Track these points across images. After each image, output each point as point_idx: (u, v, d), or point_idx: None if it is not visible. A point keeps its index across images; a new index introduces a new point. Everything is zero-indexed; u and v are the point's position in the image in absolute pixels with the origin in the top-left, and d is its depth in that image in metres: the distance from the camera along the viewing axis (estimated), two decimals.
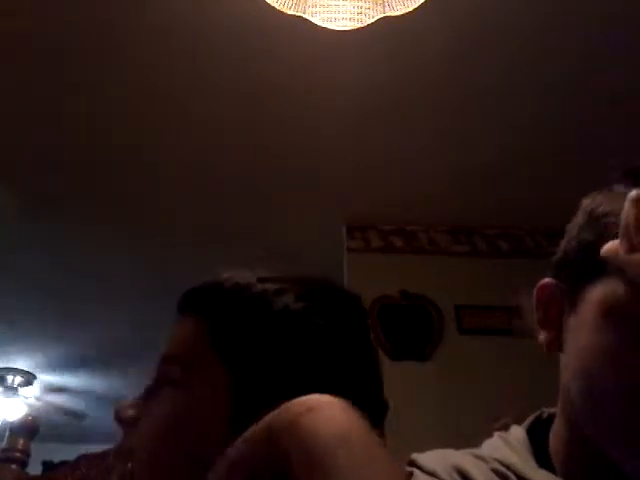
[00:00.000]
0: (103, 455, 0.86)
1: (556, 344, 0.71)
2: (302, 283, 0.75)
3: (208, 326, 0.71)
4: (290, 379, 0.68)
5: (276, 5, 1.67)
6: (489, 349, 2.76)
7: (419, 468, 0.74)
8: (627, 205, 0.62)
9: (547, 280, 0.73)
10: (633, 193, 0.62)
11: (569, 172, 2.56)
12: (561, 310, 0.71)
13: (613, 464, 0.65)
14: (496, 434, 0.77)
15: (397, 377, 2.70)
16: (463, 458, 0.73)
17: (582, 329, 0.68)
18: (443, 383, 2.72)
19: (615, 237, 0.64)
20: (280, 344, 0.69)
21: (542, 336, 0.72)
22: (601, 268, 0.66)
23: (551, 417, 0.75)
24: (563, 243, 0.73)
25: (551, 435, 0.73)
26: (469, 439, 0.80)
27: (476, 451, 0.75)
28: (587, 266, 0.68)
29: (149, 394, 0.72)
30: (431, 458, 0.75)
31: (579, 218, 0.72)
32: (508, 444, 0.73)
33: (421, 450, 0.78)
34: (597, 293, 0.66)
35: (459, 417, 2.50)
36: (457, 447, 0.79)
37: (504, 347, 2.70)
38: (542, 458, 0.71)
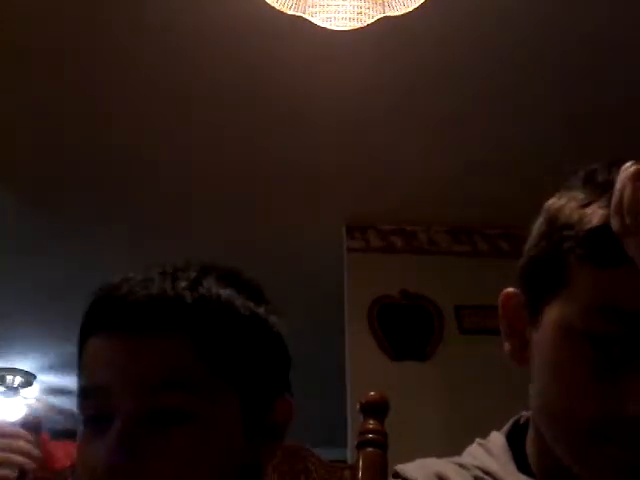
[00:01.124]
0: None
1: (519, 356, 0.69)
2: (232, 277, 0.73)
3: (196, 348, 0.65)
4: (274, 378, 0.71)
5: (276, 5, 1.67)
6: (489, 349, 2.75)
7: (403, 478, 0.74)
8: (620, 183, 0.60)
9: (511, 290, 0.72)
10: (629, 169, 0.60)
11: (569, 172, 2.56)
12: (525, 322, 0.69)
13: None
14: (476, 441, 0.77)
15: (397, 377, 2.70)
16: (445, 466, 0.74)
17: (543, 346, 0.66)
18: (443, 383, 2.72)
19: (571, 252, 0.62)
20: (260, 349, 0.70)
21: (507, 347, 0.70)
22: (560, 283, 0.64)
23: (528, 421, 0.75)
24: (526, 246, 0.70)
25: (527, 441, 0.73)
26: (469, 439, 0.80)
27: (458, 459, 0.75)
28: (545, 281, 0.66)
29: (135, 436, 0.62)
30: (414, 468, 0.76)
31: (542, 223, 0.69)
32: (488, 451, 0.74)
33: (421, 450, 0.78)
34: (555, 311, 0.64)
35: (459, 417, 2.50)
36: (457, 447, 0.80)
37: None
38: (522, 463, 0.71)
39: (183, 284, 0.67)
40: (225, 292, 0.69)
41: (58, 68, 2.30)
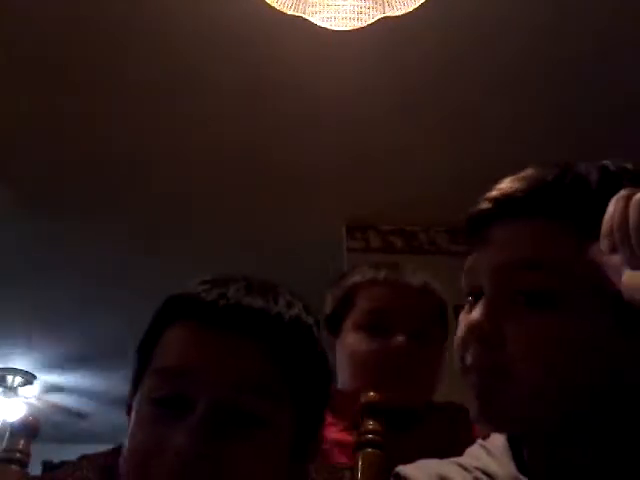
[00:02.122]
0: (104, 455, 0.86)
1: None
2: (292, 294, 0.76)
3: (279, 360, 0.68)
4: (325, 394, 0.75)
5: (276, 5, 1.66)
6: None
7: (404, 479, 0.74)
8: (611, 204, 0.61)
9: None
10: (621, 194, 0.61)
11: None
12: None
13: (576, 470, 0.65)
14: (477, 442, 0.77)
15: None
16: (447, 467, 0.74)
17: None
18: (443, 383, 2.71)
19: None
20: (321, 367, 0.74)
21: None
22: None
23: None
24: None
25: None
26: None
27: (459, 460, 0.76)
28: None
29: (222, 431, 0.64)
30: (416, 469, 0.76)
31: None
32: (489, 452, 0.74)
33: None
34: None
35: None
36: None
37: None
38: (523, 464, 0.71)
39: (282, 302, 0.71)
40: (308, 318, 0.74)
41: (58, 67, 2.30)
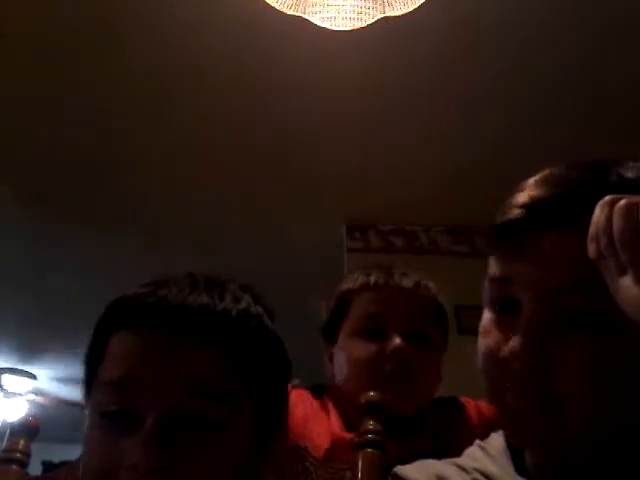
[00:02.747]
0: None
1: None
2: (255, 291, 0.74)
3: (231, 358, 0.67)
4: (285, 383, 0.75)
5: (276, 5, 1.66)
6: None
7: None
8: (597, 210, 0.61)
9: None
10: (605, 199, 0.61)
11: None
12: None
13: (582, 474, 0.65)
14: (476, 443, 0.77)
15: None
16: (446, 468, 0.74)
17: None
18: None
19: None
20: (277, 356, 0.73)
21: None
22: None
23: None
24: None
25: None
26: None
27: (458, 461, 0.75)
28: None
29: (171, 441, 0.62)
30: (414, 469, 0.76)
31: None
32: (487, 453, 0.74)
33: None
34: None
35: None
36: None
37: None
38: (521, 465, 0.71)
39: (229, 297, 0.69)
40: (257, 309, 0.71)
41: (58, 67, 2.30)
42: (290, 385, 1.23)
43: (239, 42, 2.18)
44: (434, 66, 2.28)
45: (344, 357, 1.24)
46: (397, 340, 1.19)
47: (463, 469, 0.72)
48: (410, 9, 1.66)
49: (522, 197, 0.69)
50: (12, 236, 3.15)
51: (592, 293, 0.62)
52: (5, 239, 3.18)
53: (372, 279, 1.26)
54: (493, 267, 0.72)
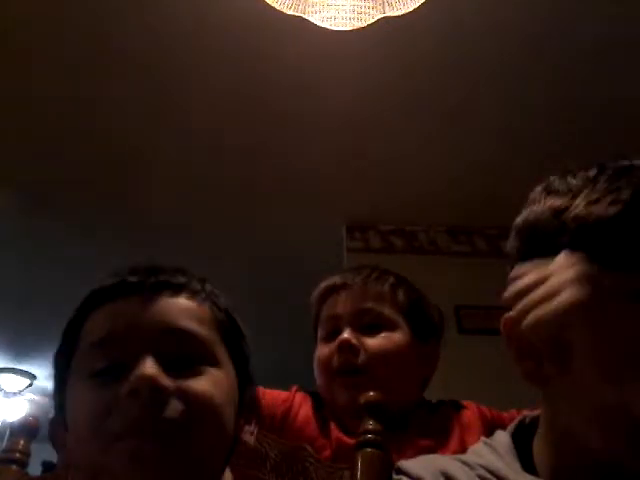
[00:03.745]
0: None
1: (538, 376, 0.69)
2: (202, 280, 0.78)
3: (208, 315, 0.71)
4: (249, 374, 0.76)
5: (276, 5, 1.66)
6: (489, 349, 2.76)
7: (406, 474, 0.74)
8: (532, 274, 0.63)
9: (512, 315, 0.72)
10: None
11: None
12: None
13: (605, 470, 0.65)
14: (481, 440, 0.77)
15: None
16: (450, 463, 0.74)
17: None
18: (441, 383, 2.71)
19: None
20: (244, 341, 0.76)
21: (523, 370, 0.71)
22: None
23: (534, 422, 0.75)
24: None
25: (536, 440, 0.73)
26: None
27: (462, 457, 0.75)
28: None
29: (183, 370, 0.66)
30: (418, 464, 0.76)
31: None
32: (493, 450, 0.73)
33: None
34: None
35: None
36: None
37: (504, 347, 2.69)
38: (527, 462, 0.71)
39: (195, 279, 0.74)
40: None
41: (58, 67, 2.30)
42: (294, 388, 1.23)
43: (239, 42, 2.18)
44: (434, 66, 2.28)
45: (314, 362, 1.24)
46: (344, 334, 1.17)
47: (467, 465, 0.72)
48: (410, 9, 1.66)
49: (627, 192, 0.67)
50: (11, 235, 3.15)
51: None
52: (6, 239, 3.18)
53: (326, 284, 1.26)
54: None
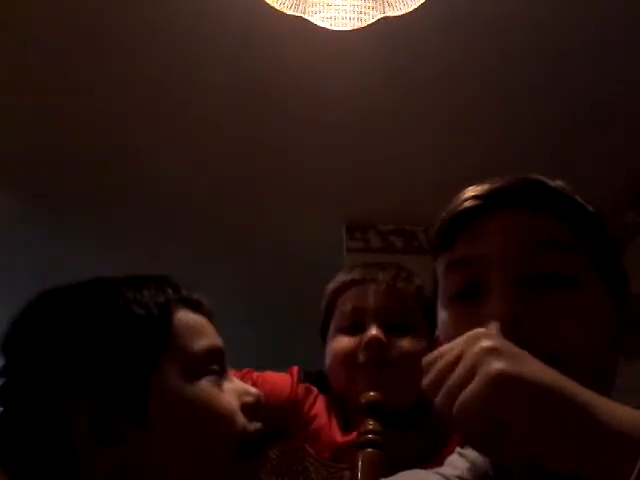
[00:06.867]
0: None
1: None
2: None
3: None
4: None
5: (276, 5, 1.66)
6: None
7: None
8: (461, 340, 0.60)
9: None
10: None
11: (568, 171, 2.56)
12: None
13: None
14: (456, 451, 0.77)
15: None
16: (429, 477, 0.74)
17: None
18: None
19: None
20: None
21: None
22: None
23: None
24: None
25: None
26: None
27: (441, 470, 0.75)
28: None
29: None
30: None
31: None
32: (468, 461, 0.74)
33: None
34: None
35: None
36: None
37: None
38: (502, 472, 0.71)
39: None
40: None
41: (57, 67, 2.30)
42: (294, 371, 1.25)
43: (239, 42, 2.18)
44: (434, 66, 2.28)
45: (328, 353, 1.26)
46: (373, 330, 1.19)
47: (445, 478, 0.72)
48: (410, 9, 1.66)
49: (474, 191, 0.78)
50: (11, 235, 3.15)
51: (561, 250, 0.66)
52: (5, 240, 3.18)
53: (350, 277, 1.28)
54: (452, 257, 0.73)
